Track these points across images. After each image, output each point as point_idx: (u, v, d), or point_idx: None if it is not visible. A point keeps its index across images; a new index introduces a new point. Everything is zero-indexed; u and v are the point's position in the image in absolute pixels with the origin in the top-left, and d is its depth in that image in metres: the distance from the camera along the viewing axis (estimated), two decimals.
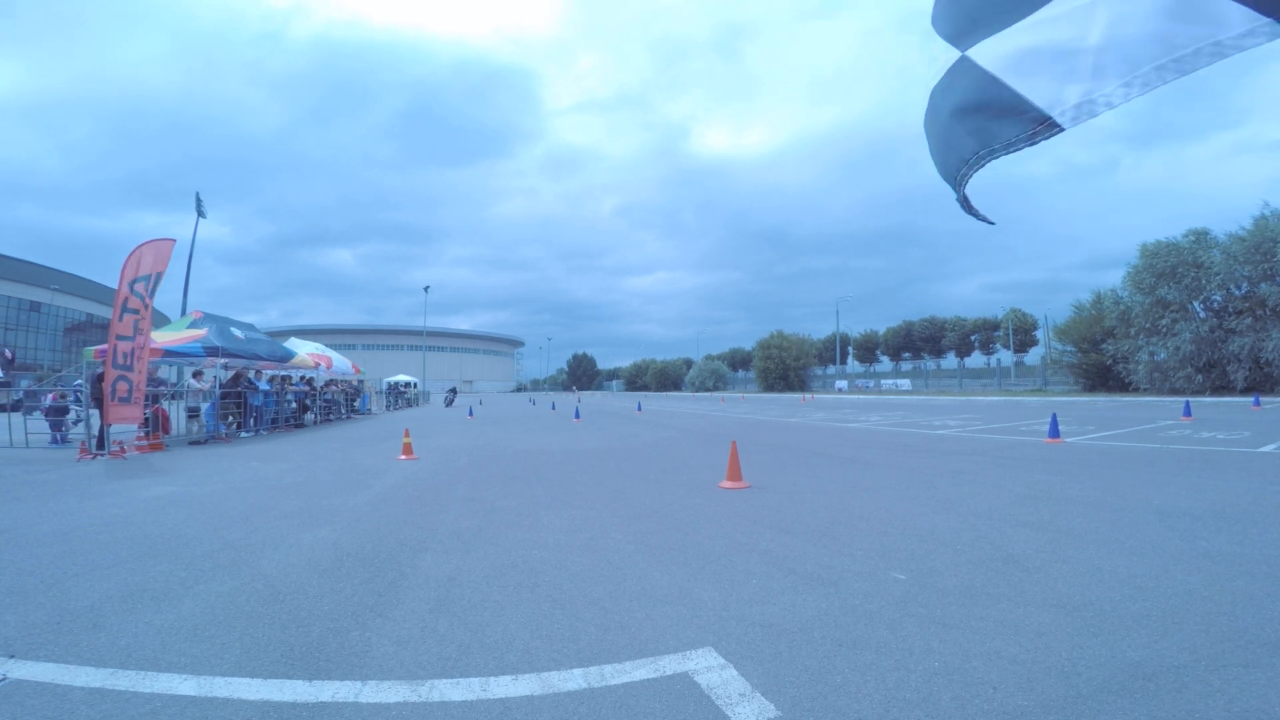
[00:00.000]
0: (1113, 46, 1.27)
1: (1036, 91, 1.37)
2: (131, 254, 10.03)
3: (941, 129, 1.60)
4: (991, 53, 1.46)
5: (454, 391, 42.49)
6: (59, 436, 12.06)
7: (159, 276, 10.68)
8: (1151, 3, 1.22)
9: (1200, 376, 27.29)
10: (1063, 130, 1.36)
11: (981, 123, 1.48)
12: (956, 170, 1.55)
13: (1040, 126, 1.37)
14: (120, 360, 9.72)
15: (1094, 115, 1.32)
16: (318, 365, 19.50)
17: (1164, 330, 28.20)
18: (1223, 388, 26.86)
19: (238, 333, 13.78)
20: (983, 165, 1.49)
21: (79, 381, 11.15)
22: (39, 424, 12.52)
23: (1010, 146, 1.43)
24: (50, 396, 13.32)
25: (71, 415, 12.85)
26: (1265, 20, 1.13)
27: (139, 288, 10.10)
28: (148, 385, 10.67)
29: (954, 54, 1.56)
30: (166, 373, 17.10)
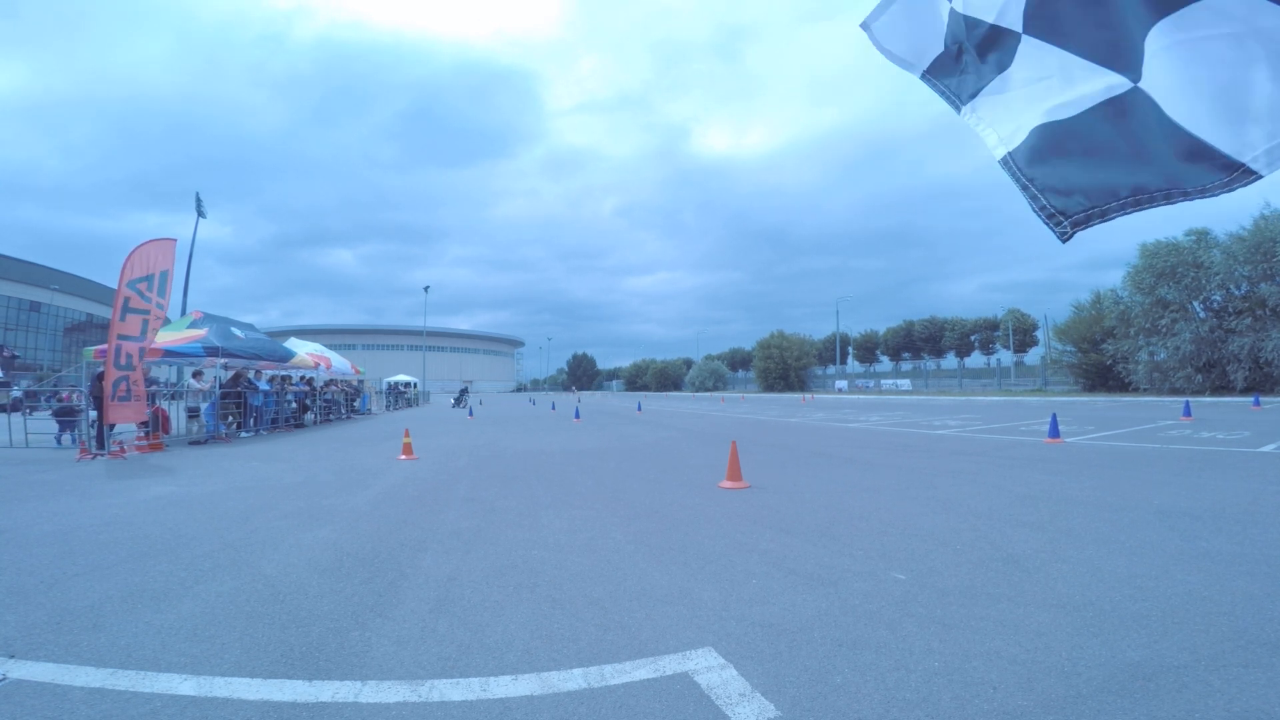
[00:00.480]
0: None
1: (1217, 136, 1.25)
2: (131, 254, 10.05)
3: (1117, 153, 1.41)
4: (1160, 87, 1.32)
5: (465, 392, 41.58)
6: (65, 437, 12.02)
7: (166, 275, 10.68)
8: None
9: (1200, 376, 27.29)
10: (1260, 178, 1.24)
11: (1168, 165, 1.33)
12: (1108, 197, 1.39)
13: (1236, 174, 1.24)
14: (123, 360, 9.73)
15: None
16: (317, 365, 19.50)
17: (1164, 330, 28.20)
18: (1222, 388, 26.86)
19: (238, 333, 13.78)
20: (1160, 205, 1.35)
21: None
22: (38, 424, 12.51)
23: (1205, 193, 1.29)
24: (64, 397, 13.30)
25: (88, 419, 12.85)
26: None
27: (140, 287, 10.12)
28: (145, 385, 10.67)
29: (1121, 82, 1.39)
30: (167, 373, 17.09)
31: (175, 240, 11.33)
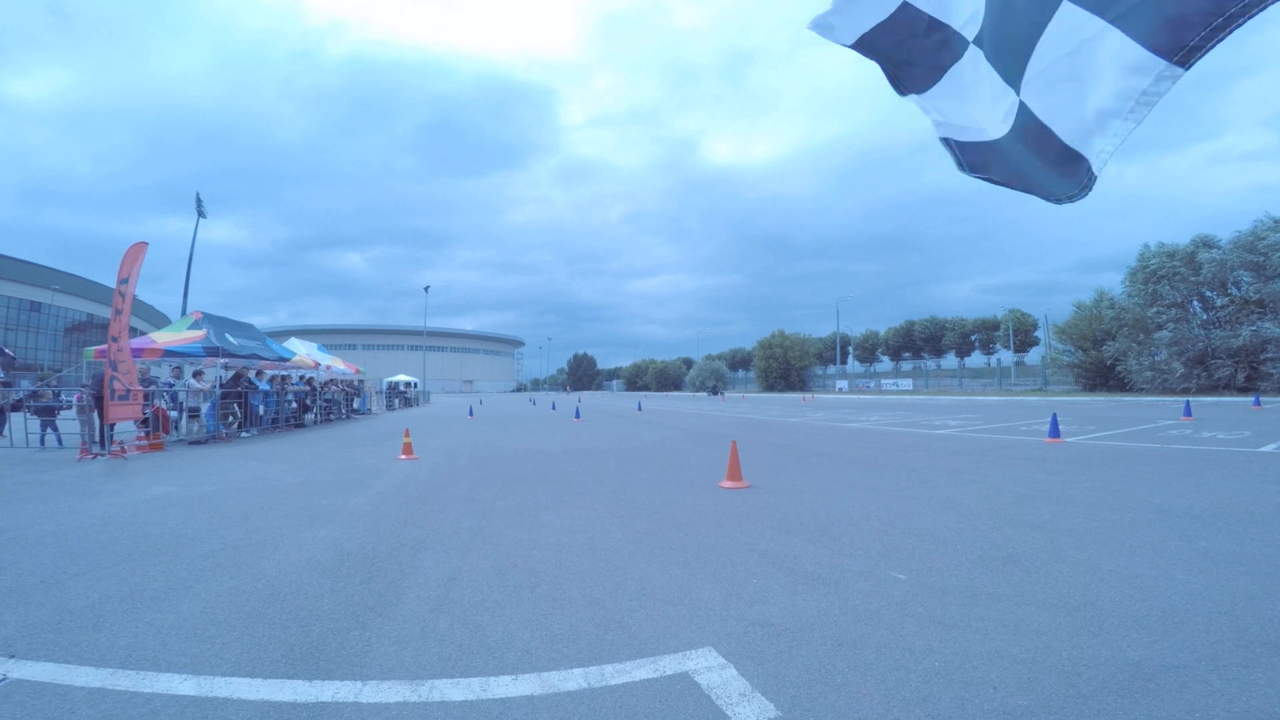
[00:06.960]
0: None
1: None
2: (124, 256, 10.14)
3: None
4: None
5: (717, 383, 38.25)
6: (50, 437, 11.89)
7: (129, 280, 10.65)
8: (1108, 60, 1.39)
9: (1199, 376, 27.30)
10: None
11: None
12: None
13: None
14: (112, 360, 9.76)
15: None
16: (317, 365, 19.49)
17: (1163, 330, 28.22)
18: (1222, 387, 26.86)
19: (231, 339, 13.72)
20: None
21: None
22: (38, 424, 12.47)
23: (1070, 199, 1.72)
24: (78, 396, 13.17)
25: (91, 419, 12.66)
26: (1165, 64, 1.26)
27: (123, 289, 10.20)
28: (143, 385, 10.66)
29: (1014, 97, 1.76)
30: (162, 373, 17.06)
31: (146, 244, 11.21)
